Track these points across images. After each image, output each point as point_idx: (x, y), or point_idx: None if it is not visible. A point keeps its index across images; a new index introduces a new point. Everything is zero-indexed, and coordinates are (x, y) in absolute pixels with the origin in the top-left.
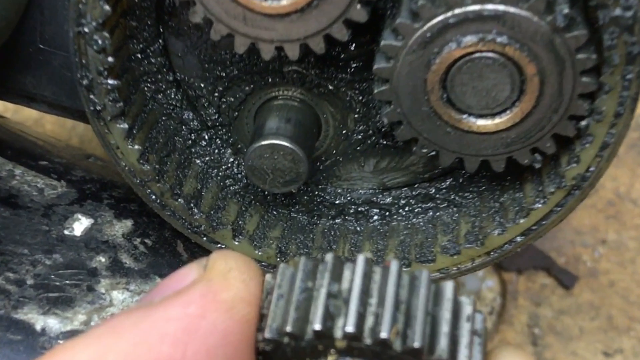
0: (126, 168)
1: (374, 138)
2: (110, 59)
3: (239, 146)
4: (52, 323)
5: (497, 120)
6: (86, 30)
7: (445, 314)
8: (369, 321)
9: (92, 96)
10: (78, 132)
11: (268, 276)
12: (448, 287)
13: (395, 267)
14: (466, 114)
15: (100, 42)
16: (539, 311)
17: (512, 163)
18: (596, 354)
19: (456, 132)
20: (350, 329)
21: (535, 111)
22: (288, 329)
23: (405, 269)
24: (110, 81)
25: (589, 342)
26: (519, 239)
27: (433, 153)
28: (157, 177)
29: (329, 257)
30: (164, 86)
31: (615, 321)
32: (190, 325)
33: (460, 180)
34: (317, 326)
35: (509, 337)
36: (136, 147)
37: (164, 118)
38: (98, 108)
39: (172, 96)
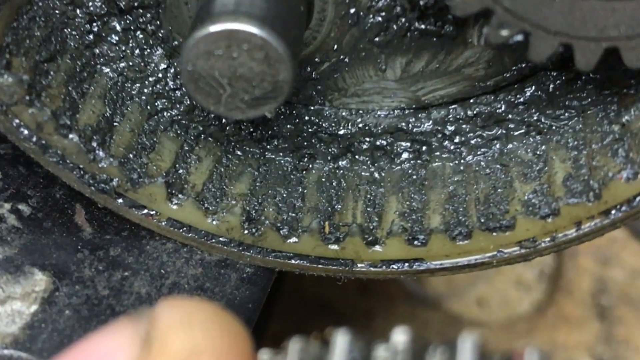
0: None
1: (403, 20)
2: None
3: (176, 43)
4: None
5: None
6: None
7: None
8: None
9: None
10: None
11: (265, 356)
12: None
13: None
14: None
15: None
16: (606, 274)
17: None
18: None
19: None
20: None
21: None
22: None
23: None
24: None
25: None
26: None
27: (519, 39)
28: (29, 98)
29: (400, 337)
30: None
31: None
32: None
33: (550, 89)
34: None
35: (568, 311)
36: None
37: None
38: None
39: None
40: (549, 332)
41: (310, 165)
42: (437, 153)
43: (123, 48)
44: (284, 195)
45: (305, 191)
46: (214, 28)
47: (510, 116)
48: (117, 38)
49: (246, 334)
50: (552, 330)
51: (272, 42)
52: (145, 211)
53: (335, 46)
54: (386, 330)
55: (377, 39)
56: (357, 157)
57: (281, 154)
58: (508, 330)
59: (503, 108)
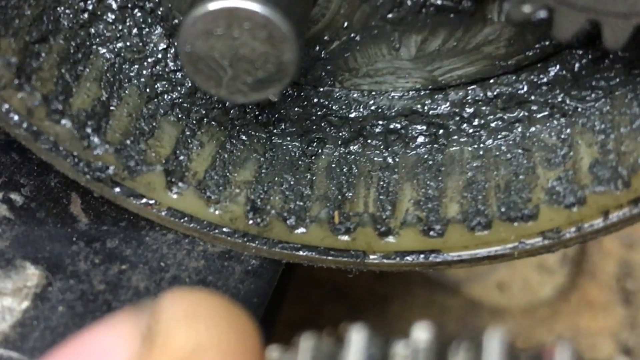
0: None
1: None
2: None
3: (176, 21)
4: None
5: None
6: None
7: None
8: None
9: None
10: None
11: (275, 354)
12: None
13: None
14: None
15: None
16: (632, 257)
17: None
18: None
19: None
20: None
21: None
22: None
23: None
24: None
25: None
26: None
27: (542, 15)
28: (18, 81)
29: (421, 334)
30: None
31: None
32: None
33: (575, 68)
34: None
35: (591, 295)
36: None
37: None
38: None
39: None
40: (572, 317)
41: (320, 151)
42: (455, 137)
43: (120, 27)
44: (292, 182)
45: (314, 178)
46: (213, 6)
47: (532, 97)
48: (113, 16)
49: (255, 329)
50: (575, 315)
51: (275, 21)
52: (144, 200)
53: (346, 23)
54: (403, 316)
55: (390, 15)
56: (369, 141)
57: (288, 138)
58: (530, 316)
59: (525, 89)
